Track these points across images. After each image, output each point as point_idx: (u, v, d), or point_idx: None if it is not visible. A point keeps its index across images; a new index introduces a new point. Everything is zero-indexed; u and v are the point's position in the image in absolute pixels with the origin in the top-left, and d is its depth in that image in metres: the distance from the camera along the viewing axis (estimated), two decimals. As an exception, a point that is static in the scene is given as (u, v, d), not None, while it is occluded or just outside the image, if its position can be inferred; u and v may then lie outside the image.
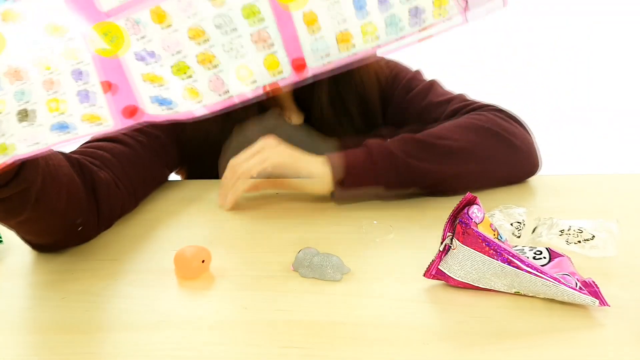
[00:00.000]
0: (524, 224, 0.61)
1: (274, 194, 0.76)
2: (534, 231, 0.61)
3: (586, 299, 0.48)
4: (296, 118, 0.89)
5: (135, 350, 0.45)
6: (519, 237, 0.61)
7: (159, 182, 0.81)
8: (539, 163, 0.79)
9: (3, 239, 0.62)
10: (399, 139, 0.73)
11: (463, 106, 0.82)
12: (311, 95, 0.86)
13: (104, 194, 0.65)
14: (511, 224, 0.61)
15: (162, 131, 0.81)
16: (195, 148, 0.85)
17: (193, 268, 0.55)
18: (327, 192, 0.72)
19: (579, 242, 0.58)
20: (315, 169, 0.71)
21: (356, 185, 0.71)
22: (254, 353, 0.44)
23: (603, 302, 0.47)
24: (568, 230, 0.59)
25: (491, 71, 3.13)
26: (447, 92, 0.88)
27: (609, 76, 3.23)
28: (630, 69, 3.36)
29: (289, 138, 0.75)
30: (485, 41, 3.75)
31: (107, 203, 0.65)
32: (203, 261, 0.56)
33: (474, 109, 0.81)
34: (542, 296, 0.50)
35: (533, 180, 0.79)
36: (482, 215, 0.51)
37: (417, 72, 0.92)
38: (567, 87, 3.00)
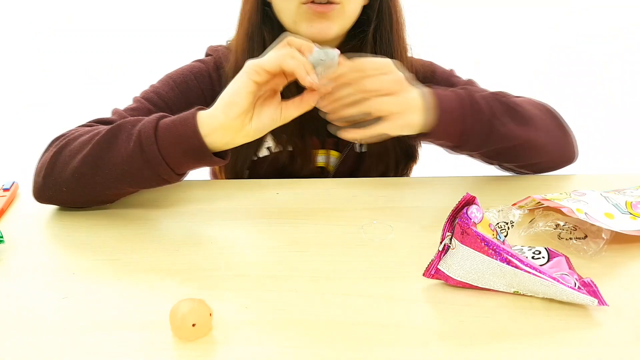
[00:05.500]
0: (511, 225, 0.61)
1: (274, 194, 0.76)
2: (531, 221, 0.62)
3: (585, 298, 0.48)
4: None
5: (136, 350, 0.45)
6: (505, 236, 0.61)
7: None
8: (577, 154, 0.82)
9: (4, 238, 0.62)
10: (484, 95, 0.72)
11: None
12: None
13: None
14: (497, 224, 0.61)
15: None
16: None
17: (185, 330, 0.46)
18: (413, 131, 0.68)
19: (571, 239, 0.59)
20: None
21: (441, 133, 0.68)
22: (254, 353, 0.45)
23: (602, 302, 0.48)
24: (563, 225, 0.61)
25: (491, 71, 3.13)
26: (486, 89, 0.88)
27: (609, 76, 3.23)
28: (630, 68, 3.37)
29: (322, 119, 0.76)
30: (485, 41, 3.76)
31: None
32: (194, 325, 0.45)
33: None
34: (541, 296, 0.50)
35: (534, 179, 0.79)
36: (481, 215, 0.51)
37: (453, 70, 0.92)
38: (567, 88, 3.00)
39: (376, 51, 0.83)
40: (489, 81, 0.88)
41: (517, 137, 0.72)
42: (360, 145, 0.86)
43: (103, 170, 0.65)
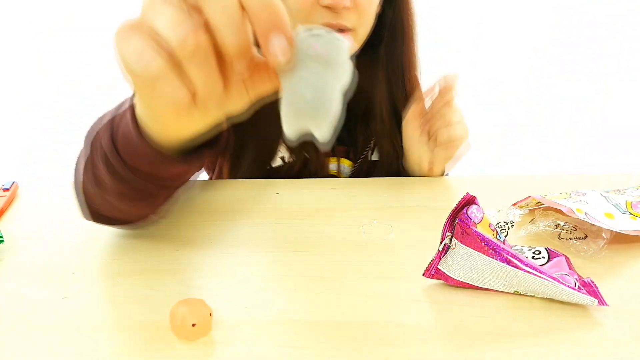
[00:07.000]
0: (511, 225, 0.61)
1: (274, 194, 0.76)
2: (531, 221, 0.62)
3: (585, 298, 0.48)
4: None
5: (136, 350, 0.45)
6: (505, 236, 0.61)
7: None
8: None
9: (4, 238, 0.62)
10: None
11: None
12: (368, 104, 0.87)
13: None
14: (497, 224, 0.61)
15: None
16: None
17: (185, 330, 0.45)
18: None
19: (571, 239, 0.59)
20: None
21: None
22: (254, 353, 0.45)
23: (602, 302, 0.48)
24: (563, 225, 0.61)
25: (491, 73, 3.13)
26: None
27: (609, 75, 3.23)
28: (630, 64, 3.37)
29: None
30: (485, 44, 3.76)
31: None
32: (194, 325, 0.45)
33: None
34: (541, 296, 0.50)
35: (534, 179, 0.79)
36: (481, 215, 0.51)
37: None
38: (566, 88, 3.01)
39: (387, 68, 0.83)
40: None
41: None
42: (372, 153, 0.87)
43: (109, 194, 0.54)
